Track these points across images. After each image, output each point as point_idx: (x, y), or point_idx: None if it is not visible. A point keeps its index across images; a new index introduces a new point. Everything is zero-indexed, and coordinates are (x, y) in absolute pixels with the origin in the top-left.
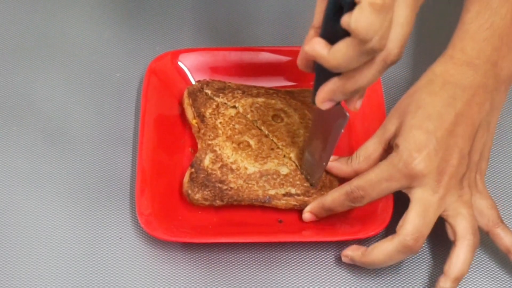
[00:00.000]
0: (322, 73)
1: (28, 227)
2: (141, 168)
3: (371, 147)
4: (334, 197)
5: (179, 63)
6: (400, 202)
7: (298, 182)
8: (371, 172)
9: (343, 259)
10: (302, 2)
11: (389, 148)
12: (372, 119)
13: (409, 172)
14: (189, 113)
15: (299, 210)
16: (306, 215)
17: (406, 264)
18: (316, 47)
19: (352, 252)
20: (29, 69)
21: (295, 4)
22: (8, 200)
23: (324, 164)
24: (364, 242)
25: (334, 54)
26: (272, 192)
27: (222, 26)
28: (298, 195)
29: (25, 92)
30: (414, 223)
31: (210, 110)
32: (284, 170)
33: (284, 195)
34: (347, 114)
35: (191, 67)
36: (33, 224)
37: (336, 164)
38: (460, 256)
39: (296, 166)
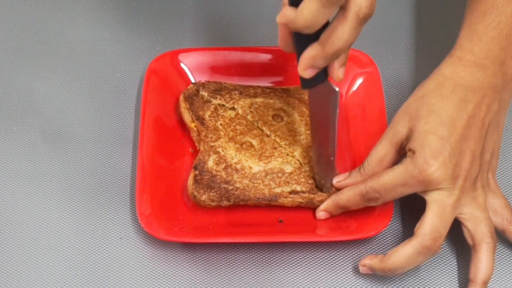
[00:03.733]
0: (301, 47)
1: (28, 227)
2: (141, 168)
3: (382, 150)
4: (349, 196)
5: (179, 63)
6: (401, 202)
7: (303, 180)
8: (386, 175)
9: (361, 269)
10: None
11: (401, 150)
12: (372, 119)
13: (424, 179)
14: (187, 117)
15: (299, 210)
16: (321, 213)
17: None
18: (285, 13)
19: (370, 261)
20: (29, 69)
21: None
22: (8, 200)
23: (332, 159)
24: (364, 242)
25: (301, 12)
26: (278, 190)
27: (222, 26)
28: (303, 192)
29: (25, 92)
30: (432, 224)
31: (208, 113)
32: (288, 168)
33: (290, 192)
34: (336, 88)
35: (191, 67)
36: (33, 224)
37: (350, 180)
38: (483, 260)
39: (301, 164)
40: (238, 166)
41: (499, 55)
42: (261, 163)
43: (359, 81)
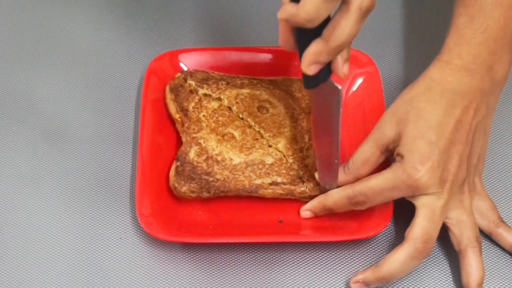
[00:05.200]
0: (304, 44)
1: (28, 227)
2: (141, 168)
3: (368, 151)
4: (335, 199)
5: (179, 63)
6: (401, 203)
7: (284, 171)
8: (374, 179)
9: (354, 286)
10: None
11: (386, 151)
12: (372, 119)
13: (413, 183)
14: (172, 108)
15: (299, 210)
16: (305, 212)
17: None
18: (286, 8)
19: (362, 275)
20: (29, 69)
21: None
22: (8, 200)
23: (336, 161)
24: (364, 242)
25: (302, 6)
26: (258, 181)
27: (222, 26)
28: (284, 183)
29: (25, 92)
30: (423, 227)
31: (193, 104)
32: (269, 160)
33: (270, 184)
34: (339, 86)
35: (191, 67)
36: (33, 224)
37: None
38: (472, 264)
39: (284, 155)
40: (219, 158)
41: (487, 59)
42: (242, 155)
43: (359, 81)
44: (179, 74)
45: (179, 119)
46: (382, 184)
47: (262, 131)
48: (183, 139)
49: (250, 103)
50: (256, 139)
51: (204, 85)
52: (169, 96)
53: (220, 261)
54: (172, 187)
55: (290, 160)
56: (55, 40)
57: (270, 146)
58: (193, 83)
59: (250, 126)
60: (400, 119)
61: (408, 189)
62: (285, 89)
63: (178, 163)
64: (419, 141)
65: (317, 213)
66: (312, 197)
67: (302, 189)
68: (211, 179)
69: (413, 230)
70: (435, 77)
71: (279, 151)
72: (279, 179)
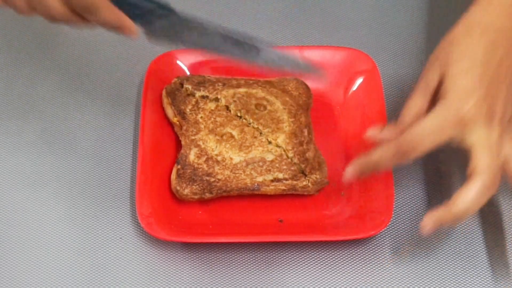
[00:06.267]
0: None
1: (28, 227)
2: (141, 168)
3: (419, 102)
4: (382, 152)
5: (179, 63)
6: (400, 202)
7: (285, 167)
8: (421, 123)
9: (426, 230)
10: (303, 2)
11: (435, 99)
12: (372, 119)
13: (460, 119)
14: (169, 112)
15: (299, 210)
16: (349, 174)
17: (405, 266)
18: None
19: (437, 214)
20: (29, 69)
21: (295, 4)
22: (8, 200)
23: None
24: (364, 242)
25: None
26: (259, 179)
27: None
28: (286, 179)
29: (25, 92)
30: (487, 159)
31: (190, 107)
32: (269, 157)
33: (272, 181)
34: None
35: (190, 67)
36: (33, 224)
37: (386, 134)
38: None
39: (284, 150)
40: (219, 158)
41: None
42: (242, 153)
43: (359, 81)
44: (175, 79)
45: (177, 123)
46: (430, 127)
47: (260, 128)
48: (182, 142)
49: (247, 101)
50: (255, 137)
51: (201, 88)
52: (166, 100)
53: (220, 261)
54: (174, 191)
55: (290, 155)
56: (55, 40)
57: (269, 142)
58: (189, 87)
59: (248, 125)
60: (443, 62)
61: (456, 127)
62: (281, 88)
63: (179, 166)
64: (462, 78)
65: (361, 172)
66: (314, 191)
67: (304, 183)
68: (212, 179)
69: (478, 165)
70: (475, 17)
71: (279, 147)
72: (280, 175)
